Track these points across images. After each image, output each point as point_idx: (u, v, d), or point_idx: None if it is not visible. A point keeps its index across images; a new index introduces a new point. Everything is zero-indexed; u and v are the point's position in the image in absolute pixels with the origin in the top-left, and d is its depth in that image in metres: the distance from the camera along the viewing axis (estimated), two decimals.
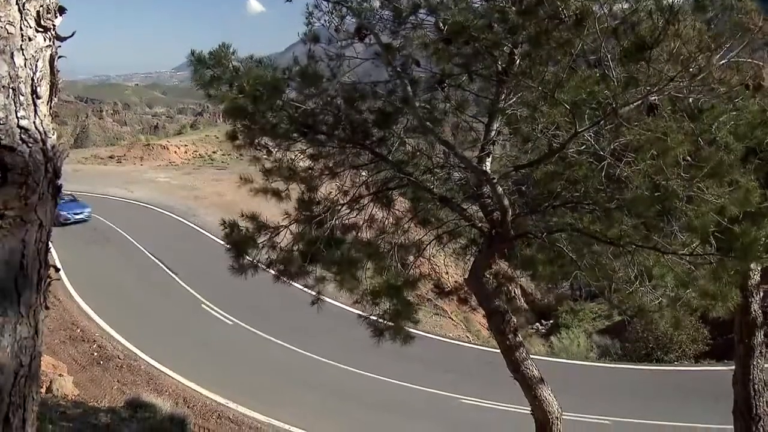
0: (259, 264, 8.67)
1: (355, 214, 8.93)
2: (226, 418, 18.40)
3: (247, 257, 8.54)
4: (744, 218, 7.04)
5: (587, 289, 23.90)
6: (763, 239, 6.71)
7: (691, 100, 9.18)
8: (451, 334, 24.20)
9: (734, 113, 8.54)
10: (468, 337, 23.93)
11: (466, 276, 8.68)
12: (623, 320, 28.41)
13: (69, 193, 37.55)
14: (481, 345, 23.89)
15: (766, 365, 10.38)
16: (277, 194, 8.73)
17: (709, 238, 7.09)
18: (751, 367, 9.75)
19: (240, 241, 8.47)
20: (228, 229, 8.56)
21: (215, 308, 24.80)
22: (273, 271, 8.88)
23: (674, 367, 23.72)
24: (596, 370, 24.54)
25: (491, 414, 18.65)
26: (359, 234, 8.96)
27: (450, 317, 24.62)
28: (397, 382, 20.33)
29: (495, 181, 7.77)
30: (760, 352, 9.83)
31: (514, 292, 9.10)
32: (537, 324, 28.92)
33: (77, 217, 36.33)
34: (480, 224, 8.41)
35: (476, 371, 21.09)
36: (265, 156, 8.70)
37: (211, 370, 20.74)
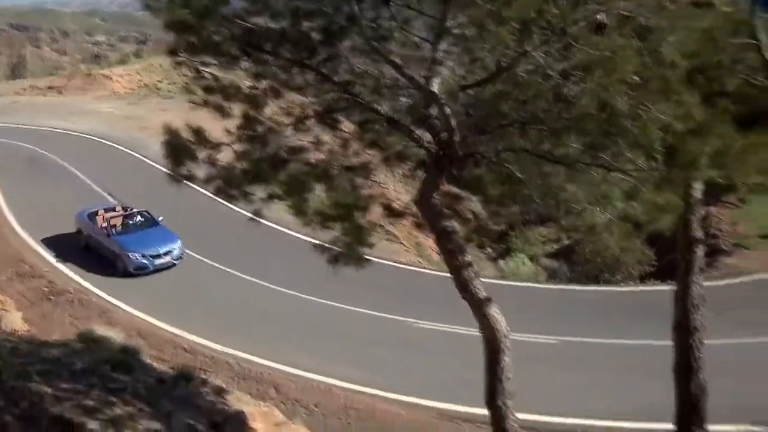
0: (196, 176, 8.55)
1: (300, 136, 8.79)
2: (181, 348, 18.44)
3: (185, 168, 8.40)
4: (688, 134, 7.13)
5: (537, 213, 24.22)
6: (705, 154, 6.82)
7: (641, 19, 9.16)
8: (403, 260, 24.41)
9: (682, 32, 8.55)
10: (420, 261, 24.18)
11: (415, 197, 8.67)
12: (572, 244, 29.10)
13: (136, 210, 25.03)
14: (433, 269, 24.13)
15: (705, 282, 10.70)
16: (220, 109, 8.51)
17: (655, 154, 7.18)
18: (690, 282, 10.01)
19: (179, 148, 8.29)
20: (168, 135, 8.35)
21: None
22: (212, 188, 8.78)
23: (620, 288, 24.37)
24: (545, 292, 25.11)
25: (445, 336, 18.99)
26: (306, 156, 8.84)
27: (402, 243, 24.81)
28: (350, 308, 20.51)
29: (442, 101, 7.70)
30: (699, 268, 10.08)
31: (466, 214, 9.14)
32: (488, 248, 29.34)
33: (161, 261, 23.06)
34: (428, 145, 8.35)
35: (429, 295, 21.37)
36: (207, 73, 8.46)
37: (164, 302, 20.69)
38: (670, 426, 12.17)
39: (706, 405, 10.93)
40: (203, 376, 14.55)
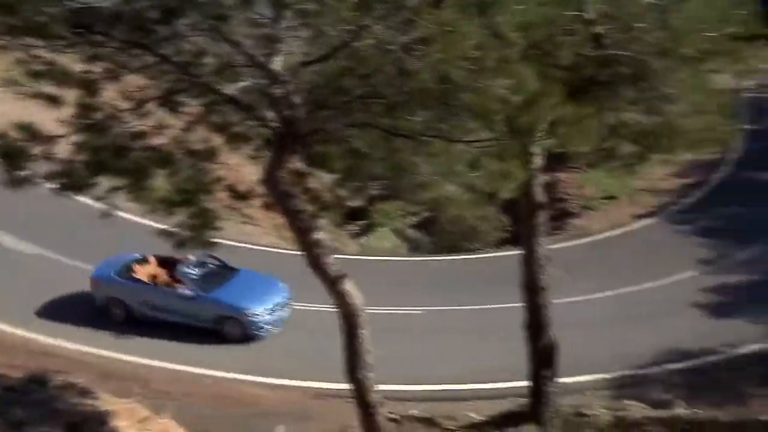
0: (37, 178, 8.04)
1: (141, 121, 8.44)
2: (35, 352, 17.31)
3: (22, 171, 7.88)
4: (524, 105, 7.41)
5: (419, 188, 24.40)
6: (540, 123, 7.13)
7: None
8: (263, 242, 24.06)
9: (517, 6, 8.84)
10: (281, 242, 23.91)
11: (262, 177, 8.55)
12: (432, 215, 29.69)
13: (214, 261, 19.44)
14: (295, 249, 23.87)
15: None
16: (52, 99, 8.00)
17: (494, 125, 7.42)
18: (535, 245, 10.49)
19: (11, 152, 7.76)
20: None
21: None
22: (54, 185, 8.28)
23: (479, 255, 25.13)
24: (408, 264, 25.63)
25: (313, 316, 18.88)
26: (148, 141, 8.50)
27: (260, 225, 24.47)
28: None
29: (284, 78, 7.61)
30: (543, 231, 10.57)
31: (317, 192, 9.11)
32: (349, 225, 29.46)
33: (270, 319, 18.30)
34: (272, 124, 8.24)
35: (292, 275, 21.18)
36: (33, 57, 7.92)
37: (12, 304, 19.25)
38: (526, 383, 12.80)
39: (558, 359, 11.52)
40: (62, 379, 13.87)
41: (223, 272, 19.26)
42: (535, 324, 11.13)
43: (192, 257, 18.63)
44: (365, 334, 9.19)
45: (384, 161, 8.05)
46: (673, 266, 22.25)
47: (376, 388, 9.59)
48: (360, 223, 29.76)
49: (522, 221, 10.62)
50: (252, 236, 24.30)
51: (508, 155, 7.33)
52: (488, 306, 19.27)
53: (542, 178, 10.25)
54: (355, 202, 28.13)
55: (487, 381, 16.17)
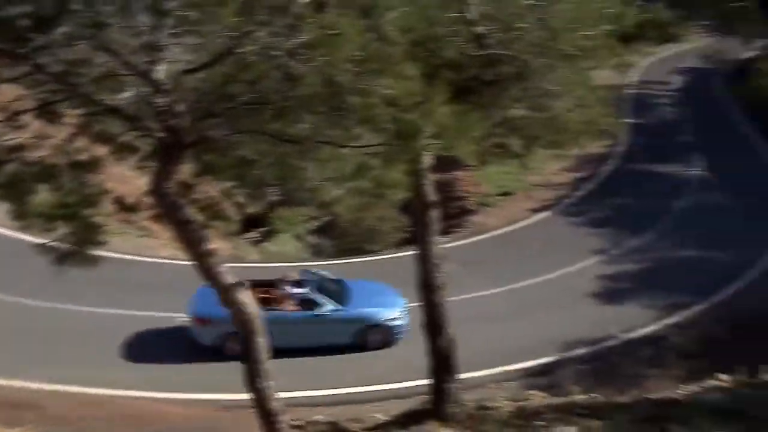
0: None
1: (18, 133, 8.08)
2: None
3: None
4: (410, 107, 7.50)
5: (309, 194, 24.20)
6: (420, 125, 7.23)
7: None
8: (163, 254, 23.46)
9: (401, 8, 8.94)
10: (180, 254, 23.34)
11: (149, 188, 8.34)
12: (333, 219, 29.72)
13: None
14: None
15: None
16: None
17: (381, 128, 7.49)
18: (429, 244, 10.65)
19: None
20: None
21: None
22: None
23: (380, 257, 25.29)
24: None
25: None
26: (27, 153, 8.14)
27: (158, 237, 23.85)
28: (109, 311, 19.18)
29: (167, 87, 7.45)
30: (435, 229, 10.74)
31: (208, 200, 8.89)
32: (250, 232, 29.16)
33: (403, 323, 18.03)
34: (158, 134, 8.05)
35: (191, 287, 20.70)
36: None
37: None
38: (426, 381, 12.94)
39: (456, 356, 11.72)
40: None
41: (335, 285, 18.98)
42: (433, 322, 11.29)
43: (291, 275, 18.50)
44: (263, 342, 9.11)
45: (273, 168, 7.99)
46: (570, 257, 23.11)
47: (277, 396, 9.51)
48: (261, 230, 29.51)
49: (415, 221, 10.77)
50: (151, 249, 23.69)
51: (395, 158, 7.40)
52: None
53: (432, 178, 10.41)
54: (254, 209, 27.90)
55: (397, 381, 16.30)
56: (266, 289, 17.82)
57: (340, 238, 27.65)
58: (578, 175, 31.06)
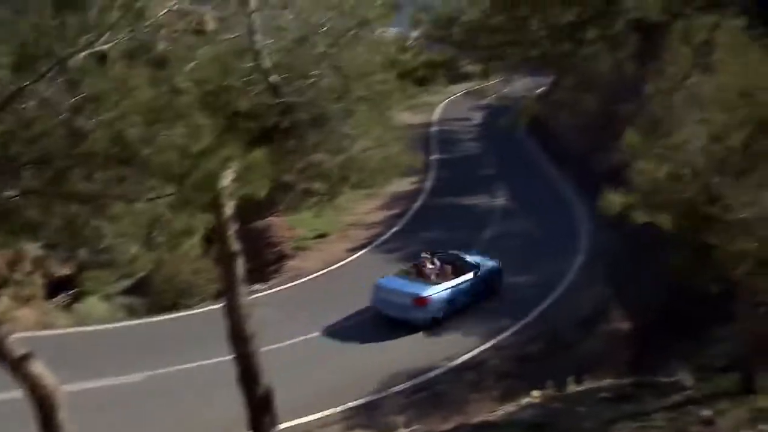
0: None
1: None
2: None
3: None
4: (202, 156, 7.39)
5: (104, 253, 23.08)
6: (216, 173, 7.16)
7: (161, 46, 9.25)
8: None
9: (195, 60, 8.86)
10: None
11: None
12: (146, 275, 28.55)
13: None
14: None
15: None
16: None
17: (174, 179, 7.31)
18: (236, 295, 10.48)
19: None
20: None
21: None
22: None
23: (199, 310, 24.53)
24: (125, 330, 24.23)
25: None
26: None
27: None
28: None
29: None
30: (242, 280, 10.59)
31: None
32: (58, 296, 27.41)
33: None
34: None
35: None
36: None
37: None
38: None
39: (275, 405, 11.53)
40: None
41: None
42: (248, 373, 11.04)
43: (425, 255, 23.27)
44: (64, 416, 8.49)
45: (63, 229, 7.56)
46: None
47: None
48: (70, 292, 27.80)
49: (222, 272, 10.57)
50: None
51: (190, 209, 7.25)
52: (210, 361, 18.80)
53: (238, 227, 10.28)
54: (62, 271, 26.33)
55: None
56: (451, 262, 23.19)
57: (156, 294, 26.55)
58: (391, 212, 32.00)
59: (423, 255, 23.34)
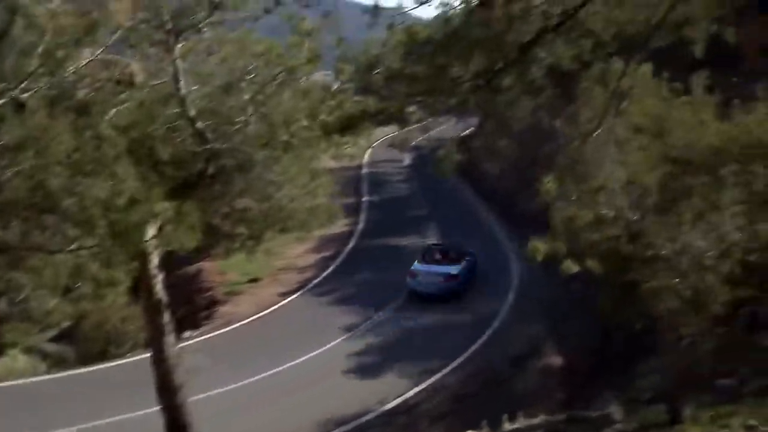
0: None
1: None
2: None
3: None
4: (126, 207, 7.30)
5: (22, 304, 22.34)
6: (140, 225, 7.06)
7: (82, 94, 9.15)
8: None
9: (121, 107, 8.78)
10: None
11: None
12: (74, 323, 27.68)
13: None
14: None
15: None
16: None
17: (97, 229, 7.18)
18: (164, 344, 10.28)
19: None
20: None
21: None
22: None
23: (129, 359, 23.85)
24: (50, 383, 23.37)
25: None
26: None
27: None
28: None
29: None
30: (170, 329, 10.41)
31: None
32: None
33: None
34: None
35: None
36: None
37: None
38: None
39: None
40: None
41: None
42: (175, 425, 10.79)
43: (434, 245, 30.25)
44: None
45: None
46: (321, 338, 23.42)
47: None
48: None
49: (148, 322, 10.36)
50: None
51: (114, 260, 7.12)
52: (139, 412, 18.27)
53: (162, 276, 10.11)
54: None
55: None
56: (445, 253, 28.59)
57: (83, 342, 25.71)
58: (323, 255, 31.96)
59: (432, 245, 30.20)
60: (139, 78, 9.32)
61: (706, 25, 7.54)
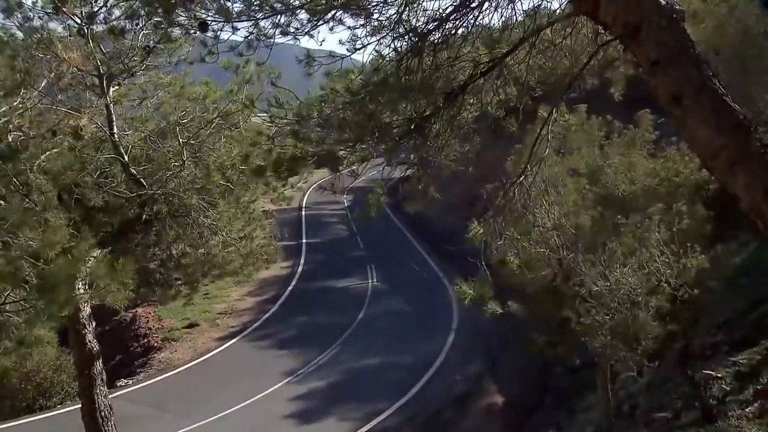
0: None
1: None
2: None
3: None
4: (55, 258, 7.10)
5: None
6: (70, 279, 6.89)
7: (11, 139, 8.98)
8: None
9: (52, 155, 8.63)
10: None
11: None
12: (2, 375, 26.65)
13: None
14: None
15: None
16: None
17: (24, 283, 6.99)
18: (95, 396, 10.01)
19: None
20: None
21: None
22: None
23: (60, 410, 23.06)
24: None
25: None
26: None
27: None
28: None
29: None
30: (101, 380, 10.15)
31: None
32: None
33: None
34: None
35: None
36: None
37: None
38: None
39: None
40: None
41: None
42: None
43: None
44: None
45: None
46: (261, 383, 23.03)
47: None
48: None
49: (79, 373, 10.06)
50: None
51: (41, 313, 6.91)
52: None
53: (92, 327, 9.87)
54: None
55: None
56: None
57: (11, 395, 24.73)
58: (262, 298, 31.65)
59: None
60: (88, 131, 9.12)
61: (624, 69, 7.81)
